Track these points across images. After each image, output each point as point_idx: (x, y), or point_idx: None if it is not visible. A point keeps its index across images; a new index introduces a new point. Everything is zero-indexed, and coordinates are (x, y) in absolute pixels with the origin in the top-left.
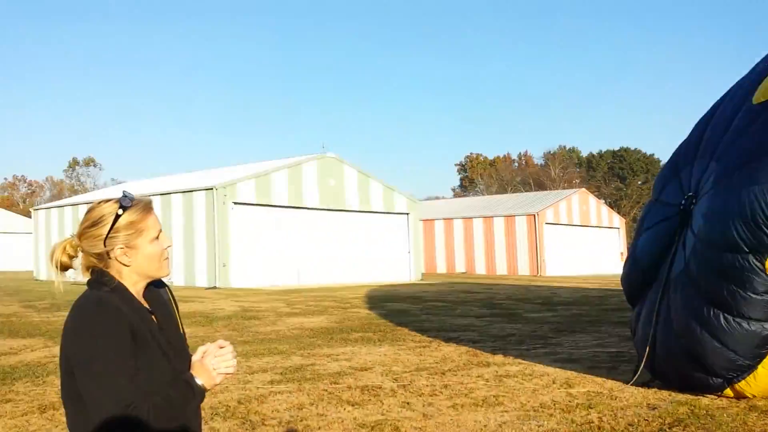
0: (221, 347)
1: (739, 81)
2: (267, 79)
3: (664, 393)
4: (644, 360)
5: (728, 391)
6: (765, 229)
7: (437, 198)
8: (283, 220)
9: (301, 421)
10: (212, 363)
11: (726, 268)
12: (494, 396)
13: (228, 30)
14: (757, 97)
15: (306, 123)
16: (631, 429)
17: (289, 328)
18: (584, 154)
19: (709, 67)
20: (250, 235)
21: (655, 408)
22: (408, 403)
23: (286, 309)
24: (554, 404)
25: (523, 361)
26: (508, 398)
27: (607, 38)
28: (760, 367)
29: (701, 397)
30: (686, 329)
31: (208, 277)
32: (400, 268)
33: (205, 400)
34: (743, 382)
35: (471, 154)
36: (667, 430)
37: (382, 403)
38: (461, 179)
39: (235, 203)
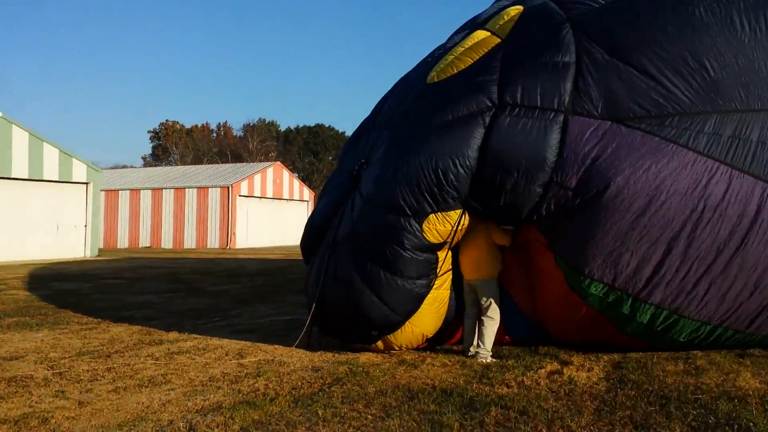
0: None
1: (420, 61)
2: None
3: (329, 355)
4: (310, 318)
5: (381, 345)
6: (427, 196)
7: (126, 167)
8: None
9: None
10: None
11: (389, 228)
12: (162, 375)
13: None
14: (431, 77)
15: None
16: (294, 392)
17: None
18: (283, 128)
19: (397, 53)
20: None
21: (319, 370)
22: (63, 392)
23: None
24: (224, 376)
25: (199, 336)
26: (177, 375)
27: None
28: (407, 323)
29: (360, 355)
30: (350, 285)
31: None
32: (74, 243)
33: None
34: (393, 334)
35: (167, 121)
36: (327, 389)
37: (32, 395)
38: (154, 148)
39: None
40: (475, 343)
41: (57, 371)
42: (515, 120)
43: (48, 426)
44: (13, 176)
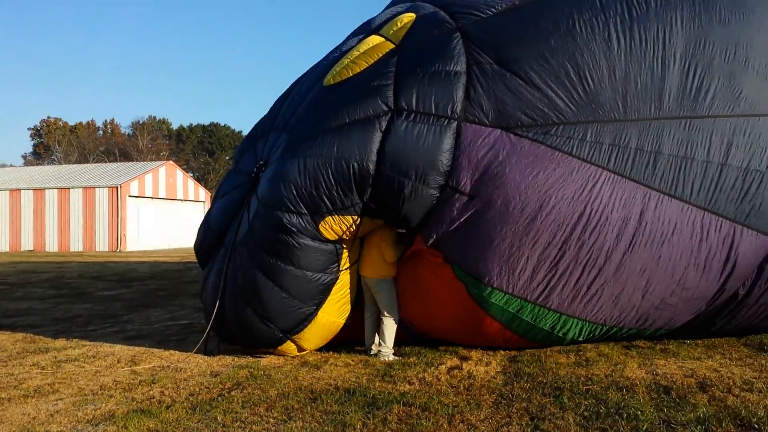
0: None
1: (316, 63)
2: None
3: (228, 359)
4: (211, 323)
5: (291, 347)
6: (325, 199)
7: (4, 166)
8: None
9: None
10: None
11: (287, 226)
12: (49, 384)
13: None
14: (328, 80)
15: None
16: (192, 398)
17: None
18: (175, 126)
19: (293, 52)
20: None
21: (218, 375)
22: None
23: None
24: (116, 384)
25: (88, 343)
26: (65, 384)
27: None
28: (319, 312)
29: (261, 358)
30: (253, 286)
31: None
32: None
33: None
34: (305, 330)
35: (49, 118)
36: (227, 394)
37: None
38: (35, 146)
39: None
40: (376, 341)
41: None
42: (411, 125)
43: None
44: None
